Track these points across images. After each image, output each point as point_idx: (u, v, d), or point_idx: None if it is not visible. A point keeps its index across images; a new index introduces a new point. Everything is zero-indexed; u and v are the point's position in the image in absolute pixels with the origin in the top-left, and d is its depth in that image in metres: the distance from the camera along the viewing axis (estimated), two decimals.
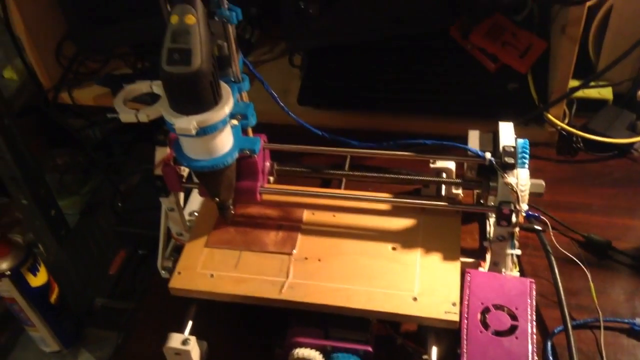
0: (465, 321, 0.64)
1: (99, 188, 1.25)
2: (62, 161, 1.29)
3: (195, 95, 0.59)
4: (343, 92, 1.01)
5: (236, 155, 0.65)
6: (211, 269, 0.71)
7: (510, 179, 0.68)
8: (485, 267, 0.72)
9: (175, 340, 0.67)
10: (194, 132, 0.59)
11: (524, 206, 0.69)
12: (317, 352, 0.66)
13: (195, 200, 0.85)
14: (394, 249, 0.72)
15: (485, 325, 0.64)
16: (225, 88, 0.63)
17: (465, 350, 0.62)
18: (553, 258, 0.77)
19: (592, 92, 0.96)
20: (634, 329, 0.71)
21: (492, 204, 0.74)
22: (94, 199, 1.24)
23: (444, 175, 0.83)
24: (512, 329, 0.63)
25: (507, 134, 0.73)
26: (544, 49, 0.95)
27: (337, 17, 1.00)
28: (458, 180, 0.75)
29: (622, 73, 0.94)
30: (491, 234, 0.74)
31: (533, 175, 0.83)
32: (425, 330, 0.67)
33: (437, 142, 0.71)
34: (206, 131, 0.60)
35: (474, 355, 0.62)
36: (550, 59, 0.94)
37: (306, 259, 0.72)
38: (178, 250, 0.79)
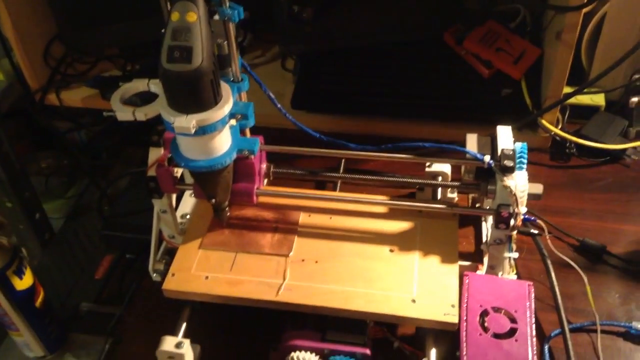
0: (465, 324, 0.64)
1: (84, 192, 1.23)
2: (47, 164, 1.27)
3: (195, 94, 0.58)
4: (336, 96, 1.00)
5: (234, 155, 0.64)
6: (206, 270, 0.70)
7: (509, 182, 0.67)
8: (482, 270, 0.72)
9: (168, 344, 0.66)
10: (193, 131, 0.58)
11: (523, 209, 0.69)
12: (314, 355, 0.65)
13: (188, 203, 0.84)
14: (391, 251, 0.71)
15: (484, 328, 0.64)
16: (225, 87, 0.62)
17: (464, 353, 0.61)
18: (549, 262, 0.77)
19: (584, 99, 0.96)
20: (630, 333, 0.71)
21: (489, 207, 0.74)
22: (80, 202, 1.22)
23: (440, 179, 0.83)
24: (512, 332, 0.63)
25: (505, 137, 0.73)
26: (537, 55, 0.96)
27: (331, 21, 1.00)
28: (456, 183, 0.74)
29: (614, 80, 0.95)
30: (488, 237, 0.73)
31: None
32: (423, 333, 0.66)
33: (436, 145, 0.70)
34: (205, 131, 0.59)
35: (473, 358, 0.61)
36: (544, 65, 0.95)
37: (303, 261, 0.71)
38: (169, 253, 0.78)
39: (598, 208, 0.87)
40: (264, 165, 0.75)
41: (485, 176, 0.71)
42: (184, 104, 0.58)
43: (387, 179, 0.74)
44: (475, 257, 0.77)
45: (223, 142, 0.63)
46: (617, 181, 0.91)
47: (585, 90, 0.95)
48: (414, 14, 1.00)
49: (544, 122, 0.92)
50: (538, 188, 0.72)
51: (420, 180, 0.76)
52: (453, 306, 0.65)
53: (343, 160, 0.91)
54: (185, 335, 0.69)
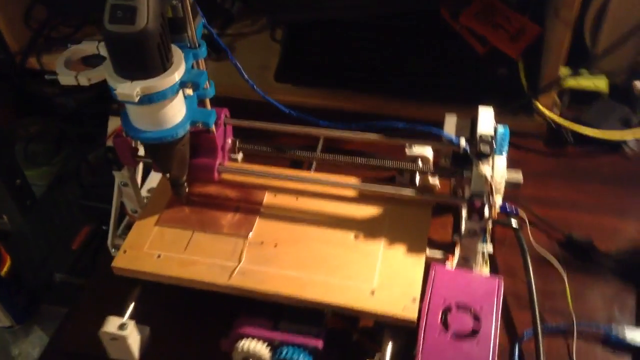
0: (424, 320, 0.59)
1: (69, 160, 1.20)
2: (34, 130, 1.24)
3: (139, 59, 0.53)
4: (322, 69, 0.95)
5: (188, 127, 0.60)
6: (159, 249, 0.67)
7: (485, 168, 0.62)
8: (452, 262, 0.67)
9: (111, 324, 0.63)
10: (136, 99, 0.54)
11: (499, 199, 0.64)
12: (264, 345, 0.61)
13: (156, 177, 0.80)
14: (356, 237, 0.67)
15: (445, 325, 0.59)
16: (177, 53, 0.57)
17: (420, 352, 0.57)
18: (529, 257, 0.72)
19: (586, 83, 0.90)
20: (609, 338, 0.66)
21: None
22: (64, 170, 1.20)
23: (420, 163, 0.78)
24: (474, 332, 0.58)
25: (486, 120, 0.67)
26: (537, 33, 0.89)
27: None
28: (430, 169, 0.69)
29: (619, 63, 0.88)
30: (462, 228, 0.68)
31: (518, 167, 0.78)
32: (381, 327, 0.62)
33: (409, 126, 0.65)
34: (152, 99, 0.55)
35: (429, 358, 0.57)
36: (544, 45, 0.88)
37: (262, 243, 0.67)
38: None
39: (591, 201, 0.82)
40: (229, 140, 0.71)
41: (462, 162, 0.66)
42: (129, 69, 0.54)
43: (362, 161, 0.69)
44: (450, 248, 0.72)
45: (175, 113, 0.59)
46: (615, 173, 0.85)
47: (587, 73, 0.88)
48: None
49: (539, 105, 0.87)
50: (517, 175, 0.66)
51: (392, 164, 0.71)
52: (414, 300, 0.61)
53: (322, 139, 0.86)
54: (134, 316, 0.65)
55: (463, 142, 0.64)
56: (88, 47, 0.60)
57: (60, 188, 1.17)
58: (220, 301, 0.67)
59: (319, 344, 0.61)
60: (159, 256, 0.66)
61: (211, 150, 0.68)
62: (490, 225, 0.66)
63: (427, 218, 0.68)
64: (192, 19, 0.60)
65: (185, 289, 0.66)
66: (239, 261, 0.65)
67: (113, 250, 0.75)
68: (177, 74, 0.56)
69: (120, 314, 0.64)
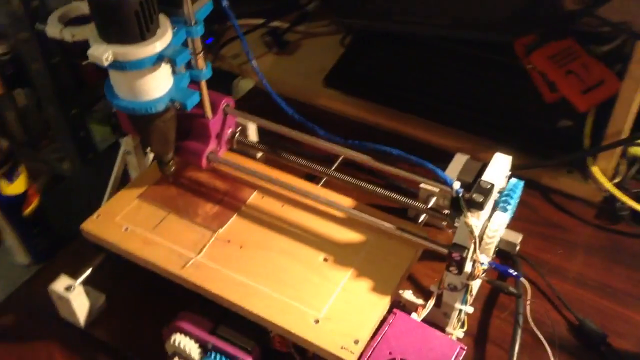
0: None
1: None
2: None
3: (115, 23, 0.52)
4: (375, 83, 0.90)
5: (166, 105, 0.58)
6: (130, 222, 0.65)
7: (472, 220, 0.55)
8: (420, 313, 0.60)
9: (60, 283, 0.62)
10: (105, 63, 0.53)
11: (483, 257, 0.56)
12: (197, 346, 0.58)
13: None
14: (325, 260, 0.62)
15: None
16: (164, 26, 0.56)
17: None
18: (520, 331, 0.63)
19: None
20: None
21: None
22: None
23: (433, 200, 0.71)
24: None
25: (498, 167, 0.60)
26: (616, 89, 0.79)
27: (396, 2, 0.90)
28: (422, 206, 0.63)
29: None
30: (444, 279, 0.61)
31: (558, 231, 0.70)
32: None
33: (403, 155, 0.59)
34: (125, 66, 0.54)
35: None
36: (616, 100, 0.78)
37: (229, 241, 0.63)
38: None
39: (625, 289, 0.70)
40: (229, 130, 0.68)
41: (456, 208, 0.59)
42: (106, 32, 0.53)
43: (367, 188, 0.64)
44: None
45: (154, 86, 0.57)
46: None
47: None
48: (489, 11, 0.86)
49: (594, 169, 0.76)
50: (515, 238, 0.58)
51: (396, 197, 0.65)
52: (356, 342, 0.55)
53: (340, 158, 0.81)
54: (91, 282, 0.65)
55: (457, 185, 0.57)
56: (82, 6, 0.59)
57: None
58: (185, 287, 0.64)
59: None
60: (126, 229, 0.65)
61: (203, 136, 0.65)
62: (473, 284, 0.59)
63: (408, 257, 0.62)
64: None
65: None
66: (198, 253, 0.62)
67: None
68: (156, 45, 0.54)
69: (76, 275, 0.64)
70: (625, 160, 0.79)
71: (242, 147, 0.70)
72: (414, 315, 0.59)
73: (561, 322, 0.67)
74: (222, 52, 1.01)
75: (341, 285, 0.59)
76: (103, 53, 0.52)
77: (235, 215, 0.66)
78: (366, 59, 0.93)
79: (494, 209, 0.59)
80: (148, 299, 0.67)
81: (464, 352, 0.55)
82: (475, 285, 0.61)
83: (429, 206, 0.64)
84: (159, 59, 0.55)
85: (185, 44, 0.59)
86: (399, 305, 0.64)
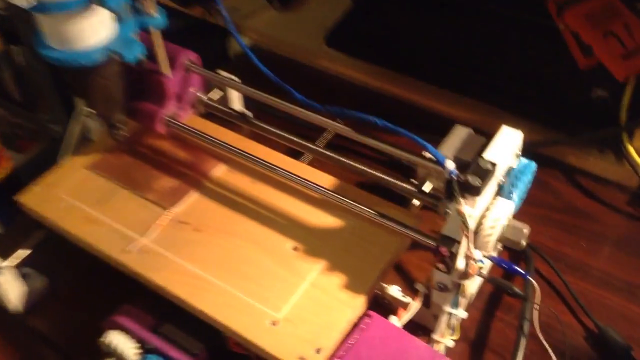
0: None
1: None
2: None
3: None
4: (380, 44, 0.79)
5: (103, 56, 0.48)
6: (72, 195, 0.56)
7: (465, 208, 0.44)
8: (401, 317, 0.50)
9: None
10: (26, 4, 0.43)
11: (478, 253, 0.46)
12: (133, 346, 0.49)
13: None
14: (295, 249, 0.52)
15: None
16: None
17: None
18: (523, 339, 0.53)
19: None
20: None
21: None
22: None
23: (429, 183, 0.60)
24: None
25: (505, 143, 0.49)
26: None
27: None
28: (410, 188, 0.52)
29: None
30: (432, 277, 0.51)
31: (585, 218, 0.62)
32: None
33: (388, 126, 0.48)
34: (47, 8, 0.44)
35: None
36: None
37: (183, 223, 0.54)
38: None
39: None
40: (191, 90, 0.59)
41: (449, 192, 0.49)
42: None
43: (353, 167, 0.54)
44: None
45: (84, 34, 0.47)
46: None
47: None
48: None
49: (630, 149, 0.64)
50: (520, 231, 0.47)
51: (375, 172, 0.54)
52: (318, 351, 0.45)
53: (328, 131, 0.70)
54: (34, 263, 0.57)
55: (450, 165, 0.46)
56: None
57: None
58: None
59: None
60: (66, 204, 0.56)
61: (159, 97, 0.56)
62: (467, 284, 0.48)
63: (392, 251, 0.52)
64: None
65: None
66: (144, 236, 0.53)
67: None
68: None
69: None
70: None
71: (219, 114, 0.61)
72: (393, 319, 0.49)
73: (577, 329, 0.56)
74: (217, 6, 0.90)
75: (309, 280, 0.50)
76: None
77: (195, 191, 0.56)
78: (374, 17, 0.81)
79: (497, 195, 0.48)
80: (93, 286, 0.58)
81: None
82: (471, 285, 0.50)
83: (422, 188, 0.53)
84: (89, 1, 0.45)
85: None
86: (383, 302, 0.54)
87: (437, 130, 0.53)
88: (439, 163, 0.46)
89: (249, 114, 0.59)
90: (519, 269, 0.53)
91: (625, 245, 0.63)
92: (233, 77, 0.58)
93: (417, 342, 0.47)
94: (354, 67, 0.79)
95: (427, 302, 0.52)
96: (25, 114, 1.17)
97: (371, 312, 0.48)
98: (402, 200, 0.57)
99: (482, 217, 0.47)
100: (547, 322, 0.54)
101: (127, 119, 0.56)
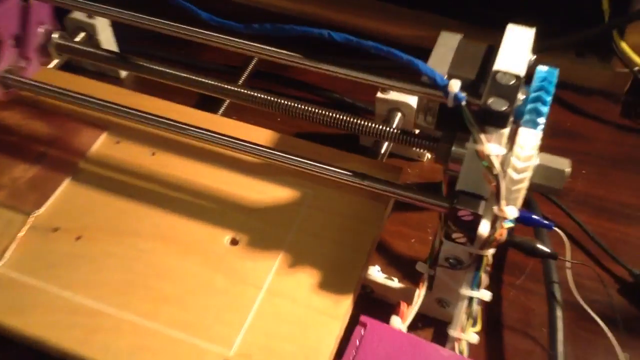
0: None
1: None
2: None
3: None
4: None
5: None
6: None
7: (491, 147, 0.29)
8: (407, 314, 0.35)
9: None
10: None
11: (511, 211, 0.31)
12: None
13: None
14: (234, 242, 0.35)
15: None
16: None
17: None
18: (560, 311, 0.39)
19: None
20: None
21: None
22: None
23: (398, 116, 0.45)
24: None
25: (516, 48, 0.33)
26: None
27: None
28: (388, 129, 0.36)
29: None
30: (438, 249, 0.36)
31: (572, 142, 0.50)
32: None
33: (352, 41, 0.32)
34: None
35: None
36: None
37: (54, 230, 0.36)
38: None
39: None
40: (39, 31, 0.39)
41: (452, 124, 0.33)
42: None
43: (294, 108, 0.37)
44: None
45: None
46: None
47: None
48: None
49: (623, 44, 0.51)
50: (560, 172, 0.33)
51: (337, 118, 0.38)
52: None
53: (253, 62, 0.53)
54: None
55: (455, 86, 0.30)
56: None
57: None
58: None
59: None
60: None
61: None
62: (490, 254, 0.34)
63: (378, 223, 0.36)
64: None
65: None
66: None
67: None
68: None
69: None
70: None
71: (87, 63, 0.42)
72: (395, 320, 0.34)
73: (610, 282, 0.44)
74: None
75: (266, 288, 0.33)
76: None
77: (68, 180, 0.38)
78: None
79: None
80: None
81: None
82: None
83: (394, 127, 0.37)
84: None
85: None
86: (364, 292, 0.39)
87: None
88: (437, 85, 0.31)
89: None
90: (541, 218, 0.39)
91: (632, 165, 0.51)
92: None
93: (432, 346, 0.32)
94: None
95: (430, 284, 0.37)
96: None
97: (364, 318, 0.33)
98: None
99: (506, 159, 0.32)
100: (582, 283, 0.41)
101: None
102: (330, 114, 0.37)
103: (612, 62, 0.54)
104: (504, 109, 0.29)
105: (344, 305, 0.33)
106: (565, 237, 0.39)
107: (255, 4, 0.62)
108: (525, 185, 0.32)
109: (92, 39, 0.48)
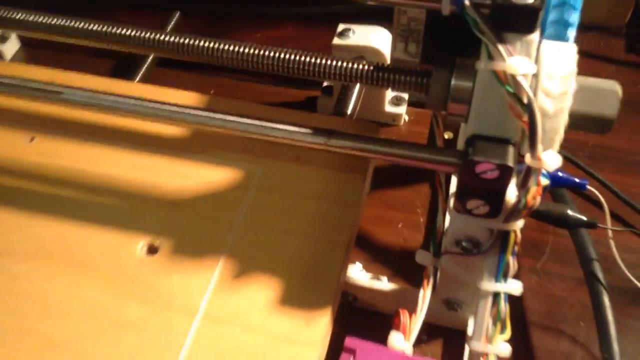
0: None
1: None
2: None
3: None
4: None
5: None
6: None
7: (516, 60, 0.19)
8: (410, 327, 0.24)
9: None
10: None
11: (552, 158, 0.21)
12: None
13: None
14: (151, 250, 0.24)
15: None
16: None
17: None
18: (606, 297, 0.30)
19: None
20: None
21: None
22: None
23: (361, 67, 0.34)
24: None
25: None
26: None
27: None
28: (356, 68, 0.26)
29: None
30: (442, 229, 0.26)
31: None
32: None
33: None
34: None
35: None
36: None
37: None
38: None
39: None
40: None
41: (447, 49, 0.23)
42: None
43: (227, 55, 0.26)
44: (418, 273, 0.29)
45: None
46: None
47: None
48: None
49: None
50: (611, 94, 0.23)
51: (291, 65, 0.27)
52: None
53: (176, 18, 0.43)
54: None
55: None
56: None
57: None
58: None
59: None
60: None
61: None
62: (519, 227, 0.24)
63: (359, 200, 0.26)
64: None
65: None
66: None
67: None
68: None
69: None
70: None
71: None
72: (396, 338, 0.24)
73: None
74: None
75: (201, 312, 0.22)
76: None
77: None
78: None
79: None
80: None
81: None
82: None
83: (364, 70, 0.27)
84: None
85: None
86: (345, 302, 0.29)
87: None
88: None
89: None
90: (566, 176, 0.29)
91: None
92: None
93: None
94: None
95: (434, 280, 0.27)
96: None
97: (351, 341, 0.22)
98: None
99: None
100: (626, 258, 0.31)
101: None
102: (277, 54, 0.26)
103: None
104: (531, 0, 0.19)
105: (320, 325, 0.22)
106: (602, 197, 0.29)
107: None
108: (564, 118, 0.22)
109: None
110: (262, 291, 0.23)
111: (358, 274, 0.29)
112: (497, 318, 0.25)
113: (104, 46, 0.27)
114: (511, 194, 0.22)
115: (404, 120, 0.38)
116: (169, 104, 0.24)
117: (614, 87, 0.23)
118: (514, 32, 0.20)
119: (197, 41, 0.26)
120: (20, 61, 0.41)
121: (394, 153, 0.22)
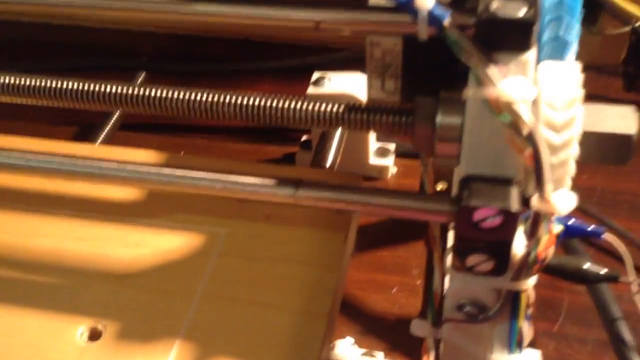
0: None
1: None
2: None
3: None
4: None
5: None
6: None
7: (510, 83, 0.16)
8: None
9: None
10: None
11: (566, 198, 0.17)
12: None
13: None
14: (94, 335, 0.20)
15: None
16: None
17: None
18: (637, 358, 0.25)
19: None
20: None
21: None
22: None
23: (336, 111, 0.31)
24: None
25: None
26: None
27: None
28: (331, 110, 0.22)
29: None
30: (439, 288, 0.22)
31: None
32: None
33: None
34: None
35: None
36: None
37: None
38: None
39: None
40: None
41: (430, 81, 0.20)
42: None
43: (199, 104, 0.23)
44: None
45: None
46: None
47: None
48: None
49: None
50: (624, 110, 0.20)
51: (270, 115, 0.24)
52: None
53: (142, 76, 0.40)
54: None
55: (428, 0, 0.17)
56: None
57: None
58: None
59: None
60: None
61: None
62: (531, 286, 0.20)
63: (342, 262, 0.22)
64: None
65: None
66: None
67: None
68: None
69: None
70: None
71: None
72: None
73: None
74: None
75: None
76: None
77: None
78: None
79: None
80: None
81: None
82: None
83: (337, 112, 0.23)
84: None
85: None
86: None
87: None
88: (400, 4, 0.17)
89: None
90: (579, 224, 0.25)
91: None
92: None
93: None
94: None
95: (436, 354, 0.23)
96: None
97: None
98: None
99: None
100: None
101: None
102: (244, 101, 0.23)
103: (598, 24, 0.42)
104: (522, 13, 0.16)
105: None
106: (622, 246, 0.26)
107: None
108: (573, 151, 0.18)
109: None
110: None
111: (349, 350, 0.25)
112: None
113: (57, 104, 0.24)
114: (518, 246, 0.19)
115: (391, 173, 0.35)
116: (113, 161, 0.21)
117: (629, 108, 0.20)
118: (505, 51, 0.17)
119: (165, 92, 0.22)
120: None
121: (376, 203, 0.19)
